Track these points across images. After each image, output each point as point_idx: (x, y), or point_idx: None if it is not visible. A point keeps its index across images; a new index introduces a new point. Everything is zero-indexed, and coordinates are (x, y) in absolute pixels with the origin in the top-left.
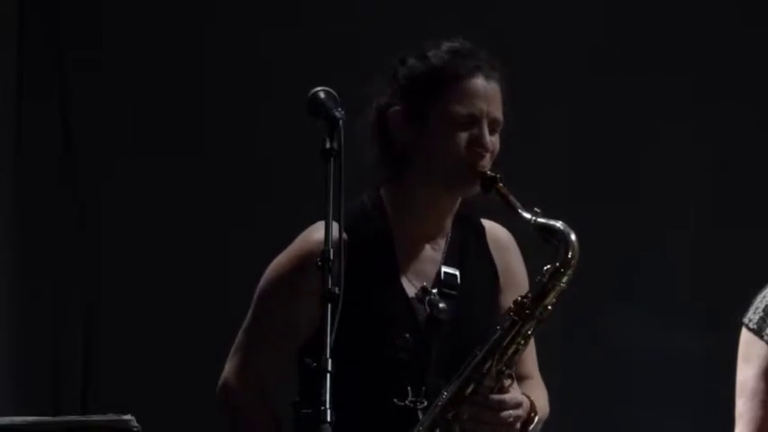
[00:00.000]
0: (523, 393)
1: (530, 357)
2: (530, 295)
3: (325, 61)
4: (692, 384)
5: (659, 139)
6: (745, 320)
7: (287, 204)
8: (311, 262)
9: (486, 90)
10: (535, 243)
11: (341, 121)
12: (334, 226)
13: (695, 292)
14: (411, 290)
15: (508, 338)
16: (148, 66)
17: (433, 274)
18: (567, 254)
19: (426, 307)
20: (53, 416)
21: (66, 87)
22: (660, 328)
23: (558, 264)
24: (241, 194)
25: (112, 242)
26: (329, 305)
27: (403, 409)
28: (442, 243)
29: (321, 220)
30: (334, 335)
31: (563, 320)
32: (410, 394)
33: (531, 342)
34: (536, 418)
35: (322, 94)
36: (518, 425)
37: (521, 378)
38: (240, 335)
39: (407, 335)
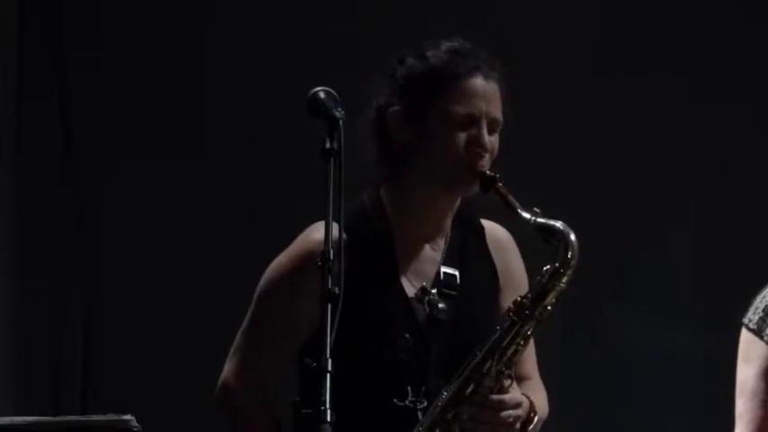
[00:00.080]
0: (523, 393)
1: (529, 358)
2: (529, 295)
3: (325, 61)
4: (692, 384)
5: (659, 139)
6: (745, 321)
7: (287, 204)
8: (311, 262)
9: (486, 90)
10: (535, 243)
11: (341, 121)
12: (335, 226)
13: (695, 292)
14: (411, 290)
15: (508, 339)
16: (148, 66)
17: (432, 274)
18: (567, 254)
19: (426, 307)
20: (53, 416)
21: (66, 87)
22: (660, 328)
23: (557, 264)
24: (241, 194)
25: (112, 242)
26: (329, 305)
27: (403, 410)
28: (441, 243)
29: (321, 220)
30: (334, 335)
31: (563, 320)
32: (410, 394)
33: (531, 343)
34: (535, 419)
35: (322, 94)
36: (518, 425)
37: (520, 379)
38: (240, 335)
39: (407, 335)
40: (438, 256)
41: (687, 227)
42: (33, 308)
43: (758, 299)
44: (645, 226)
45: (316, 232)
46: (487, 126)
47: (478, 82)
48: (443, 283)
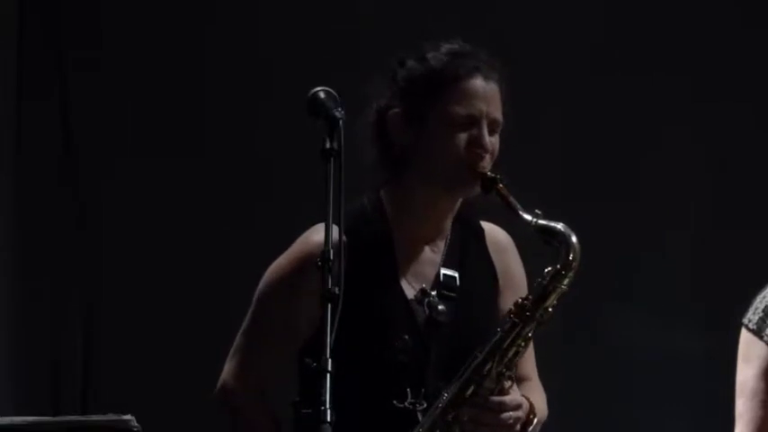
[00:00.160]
0: (523, 395)
1: (528, 360)
2: (530, 297)
3: (325, 61)
4: (692, 384)
5: (659, 139)
6: (745, 321)
7: (287, 204)
8: (311, 264)
9: (486, 91)
10: (536, 245)
11: (341, 121)
12: (334, 227)
13: (695, 292)
14: (410, 292)
15: (508, 340)
16: (148, 66)
17: (432, 275)
18: (568, 256)
19: (425, 309)
20: (53, 416)
21: (66, 87)
22: (660, 328)
23: (558, 266)
24: (241, 194)
25: (112, 242)
26: (329, 305)
27: (402, 411)
28: (441, 245)
29: (321, 220)
30: (333, 335)
31: (563, 321)
32: (410, 396)
33: (530, 345)
34: (535, 420)
35: (322, 94)
36: (518, 426)
37: (519, 380)
38: (239, 336)
39: (406, 336)
40: (438, 257)
41: (687, 227)
42: (33, 308)
43: (758, 299)
44: (645, 226)
45: (316, 234)
46: (488, 127)
47: (478, 83)
48: (443, 284)
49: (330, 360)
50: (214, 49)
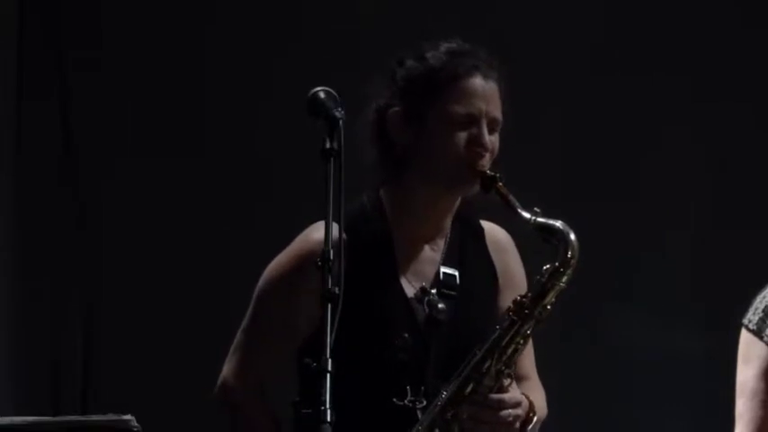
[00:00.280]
0: (522, 393)
1: (528, 358)
2: (529, 295)
3: (325, 61)
4: (692, 384)
5: (659, 139)
6: (745, 321)
7: (287, 204)
8: (311, 262)
9: (485, 89)
10: (535, 243)
11: (341, 121)
12: (334, 226)
13: (695, 292)
14: (410, 290)
15: (507, 338)
16: (148, 66)
17: (432, 274)
18: (567, 253)
19: (425, 307)
20: (53, 416)
21: (66, 87)
22: (660, 328)
23: (557, 263)
24: (241, 194)
25: (112, 242)
26: (329, 305)
27: (402, 409)
28: (441, 244)
29: (321, 220)
30: (333, 335)
31: (563, 320)
32: (409, 394)
33: (530, 343)
34: (534, 418)
35: (322, 94)
36: (517, 424)
37: (519, 379)
38: (239, 335)
39: (406, 335)
40: (437, 256)
41: (687, 227)
42: (33, 308)
43: (758, 299)
44: (645, 226)
45: (315, 232)
46: (487, 125)
47: (477, 82)
48: (443, 283)
49: (330, 360)
50: (214, 49)
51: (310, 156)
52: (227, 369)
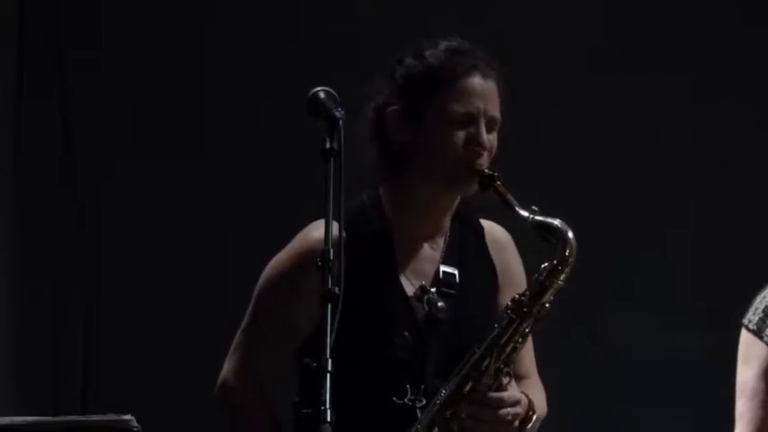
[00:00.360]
0: (522, 392)
1: (527, 357)
2: (527, 293)
3: (325, 61)
4: (692, 384)
5: (659, 139)
6: (745, 321)
7: (287, 204)
8: (310, 260)
9: (484, 88)
10: (533, 241)
11: (341, 121)
12: (334, 225)
13: (695, 292)
14: (410, 289)
15: (506, 336)
16: (148, 66)
17: (431, 273)
18: (565, 252)
19: (425, 306)
20: (53, 416)
21: (66, 87)
22: (660, 328)
23: (555, 262)
24: (241, 194)
25: (112, 242)
26: (329, 305)
27: (402, 408)
28: (440, 242)
29: (321, 219)
30: (333, 335)
31: (563, 320)
32: (409, 392)
33: (529, 342)
34: (534, 417)
35: (322, 94)
36: (516, 423)
37: (519, 378)
38: (239, 334)
39: (406, 333)
40: (437, 255)
41: (687, 227)
42: (33, 308)
43: (758, 299)
44: (645, 226)
45: (315, 231)
46: (486, 125)
47: (476, 81)
48: (442, 282)
49: (330, 360)
50: (214, 49)
51: (310, 156)
52: (226, 369)
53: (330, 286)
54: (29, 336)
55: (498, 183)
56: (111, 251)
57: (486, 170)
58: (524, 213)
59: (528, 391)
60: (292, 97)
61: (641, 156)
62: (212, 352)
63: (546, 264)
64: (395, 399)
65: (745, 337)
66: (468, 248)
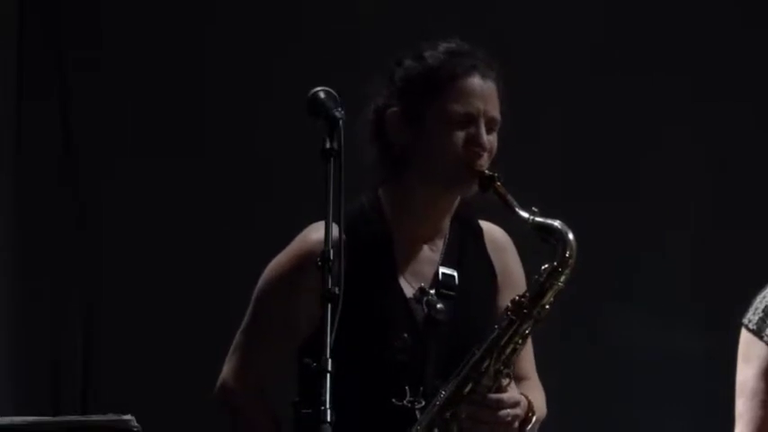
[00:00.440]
0: (521, 393)
1: (527, 359)
2: (528, 294)
3: (325, 61)
4: (692, 384)
5: (659, 139)
6: (745, 321)
7: (287, 204)
8: (310, 261)
9: (483, 89)
10: (533, 243)
11: (341, 121)
12: (334, 226)
13: (695, 292)
14: (409, 290)
15: (506, 337)
16: (148, 66)
17: (430, 274)
18: (565, 253)
19: (424, 307)
20: (53, 416)
21: (66, 87)
22: (660, 328)
23: (555, 263)
24: (241, 194)
25: (112, 242)
26: (329, 305)
27: (401, 409)
28: (440, 244)
29: (321, 220)
30: (333, 335)
31: (563, 320)
32: (408, 394)
33: (529, 344)
34: (534, 418)
35: (322, 94)
36: (516, 424)
37: (518, 379)
38: (239, 335)
39: (405, 335)
40: (436, 256)
41: (687, 227)
42: (33, 308)
43: (758, 299)
44: (645, 226)
45: (314, 232)
46: (486, 125)
47: (476, 81)
48: (442, 283)
49: (330, 360)
50: (214, 49)
51: (310, 156)
52: (226, 369)
53: (330, 286)
54: (29, 336)
55: (498, 183)
56: (111, 251)
57: (487, 171)
58: (524, 214)
59: (527, 392)
60: (292, 97)
61: (641, 156)
62: (212, 352)
63: (546, 265)
64: (394, 400)
65: (745, 336)
66: (468, 250)
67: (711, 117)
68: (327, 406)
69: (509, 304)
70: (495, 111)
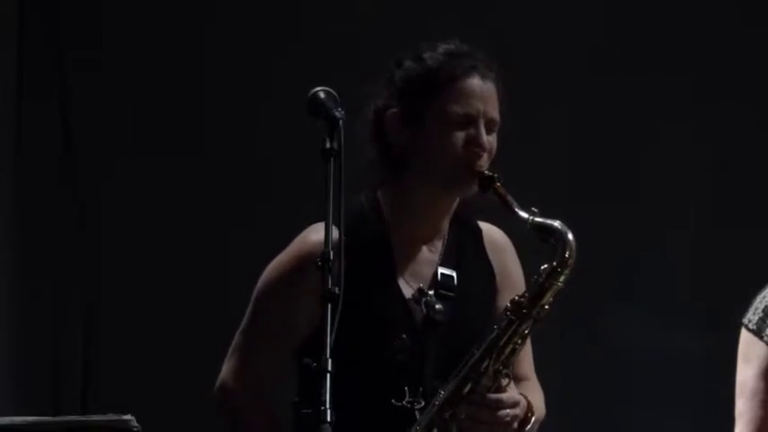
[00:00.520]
0: (521, 393)
1: (526, 359)
2: (527, 295)
3: (325, 61)
4: (692, 384)
5: (659, 139)
6: (745, 321)
7: (287, 204)
8: (309, 262)
9: (483, 90)
10: (533, 243)
11: (341, 121)
12: (334, 228)
13: (695, 292)
14: (408, 291)
15: (505, 337)
16: (148, 66)
17: (429, 275)
18: (565, 253)
19: (423, 308)
20: (53, 416)
21: (66, 87)
22: (660, 328)
23: (555, 263)
24: (241, 194)
25: (112, 242)
26: (329, 305)
27: (400, 410)
28: (438, 245)
29: (321, 220)
30: (333, 335)
31: (563, 320)
32: (407, 395)
33: (528, 344)
34: (533, 419)
35: (322, 94)
36: (515, 424)
37: (517, 379)
38: (238, 335)
39: (404, 336)
40: (435, 257)
41: (687, 227)
42: (33, 308)
43: (758, 299)
44: (645, 226)
45: (314, 233)
46: (485, 126)
47: (475, 82)
48: (441, 284)
49: (330, 360)
50: (214, 49)
51: (310, 156)
52: (225, 370)
53: (330, 286)
54: (29, 336)
55: (498, 184)
56: (111, 251)
57: (486, 171)
58: (524, 215)
59: (527, 392)
60: (292, 97)
61: (641, 156)
62: (212, 352)
63: (545, 265)
64: (393, 401)
65: (745, 336)
66: (467, 250)
67: (711, 117)
68: (327, 406)
69: (508, 304)
70: (494, 111)
